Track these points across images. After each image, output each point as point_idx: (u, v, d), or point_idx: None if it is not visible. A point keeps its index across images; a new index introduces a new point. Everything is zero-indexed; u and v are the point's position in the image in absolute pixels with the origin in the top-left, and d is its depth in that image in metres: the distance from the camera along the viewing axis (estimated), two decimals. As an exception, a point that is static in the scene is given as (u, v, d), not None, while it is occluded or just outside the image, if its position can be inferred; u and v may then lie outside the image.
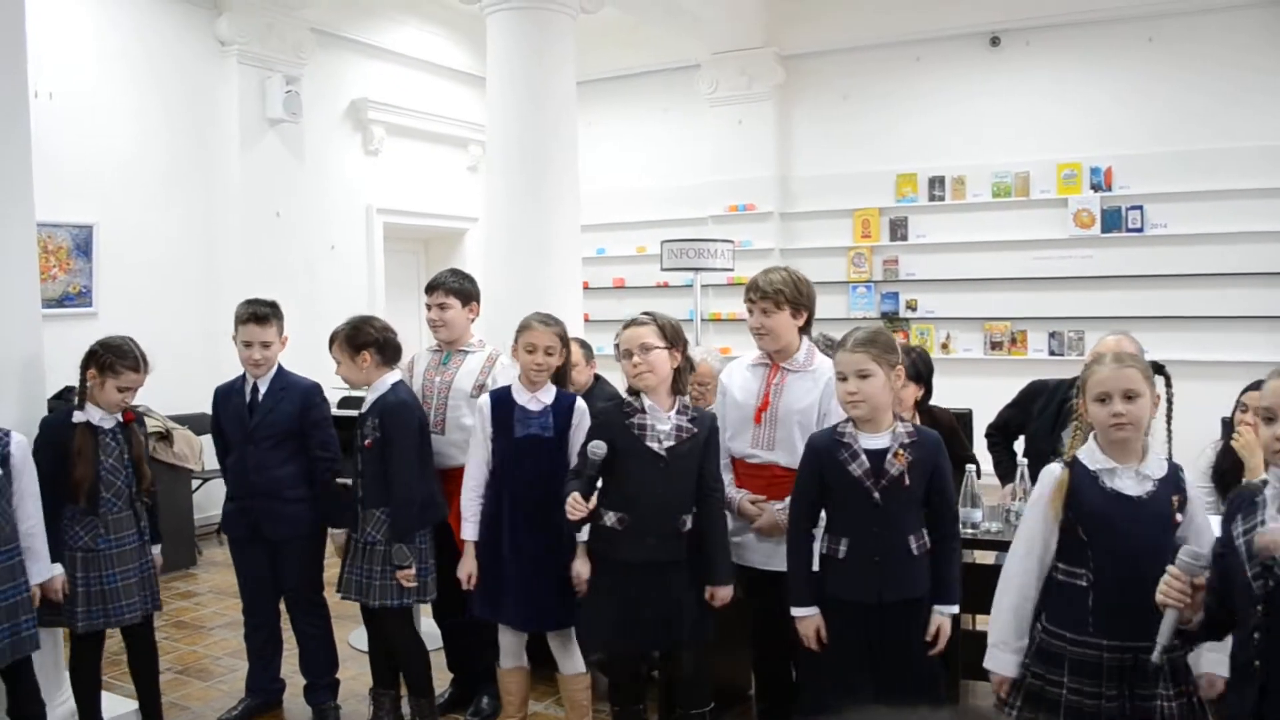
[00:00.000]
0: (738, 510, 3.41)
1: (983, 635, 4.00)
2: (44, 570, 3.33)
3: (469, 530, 3.56)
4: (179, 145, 7.25)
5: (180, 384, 6.64)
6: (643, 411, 3.18)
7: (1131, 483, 2.54)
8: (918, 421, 3.60)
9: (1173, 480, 2.54)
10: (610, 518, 3.20)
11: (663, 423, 3.16)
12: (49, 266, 6.39)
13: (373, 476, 3.65)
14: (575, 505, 3.06)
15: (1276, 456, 2.16)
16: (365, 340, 3.71)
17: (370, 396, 3.71)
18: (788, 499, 3.20)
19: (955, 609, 2.97)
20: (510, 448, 3.50)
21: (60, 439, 3.47)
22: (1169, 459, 2.61)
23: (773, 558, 3.33)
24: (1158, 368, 2.76)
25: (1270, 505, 2.17)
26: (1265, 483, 2.22)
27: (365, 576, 3.65)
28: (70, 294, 6.57)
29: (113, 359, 3.52)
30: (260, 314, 3.90)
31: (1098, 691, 2.51)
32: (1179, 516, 2.49)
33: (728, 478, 3.43)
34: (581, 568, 3.35)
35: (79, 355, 3.57)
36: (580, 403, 3.54)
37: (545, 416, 3.48)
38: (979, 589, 3.66)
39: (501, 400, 3.55)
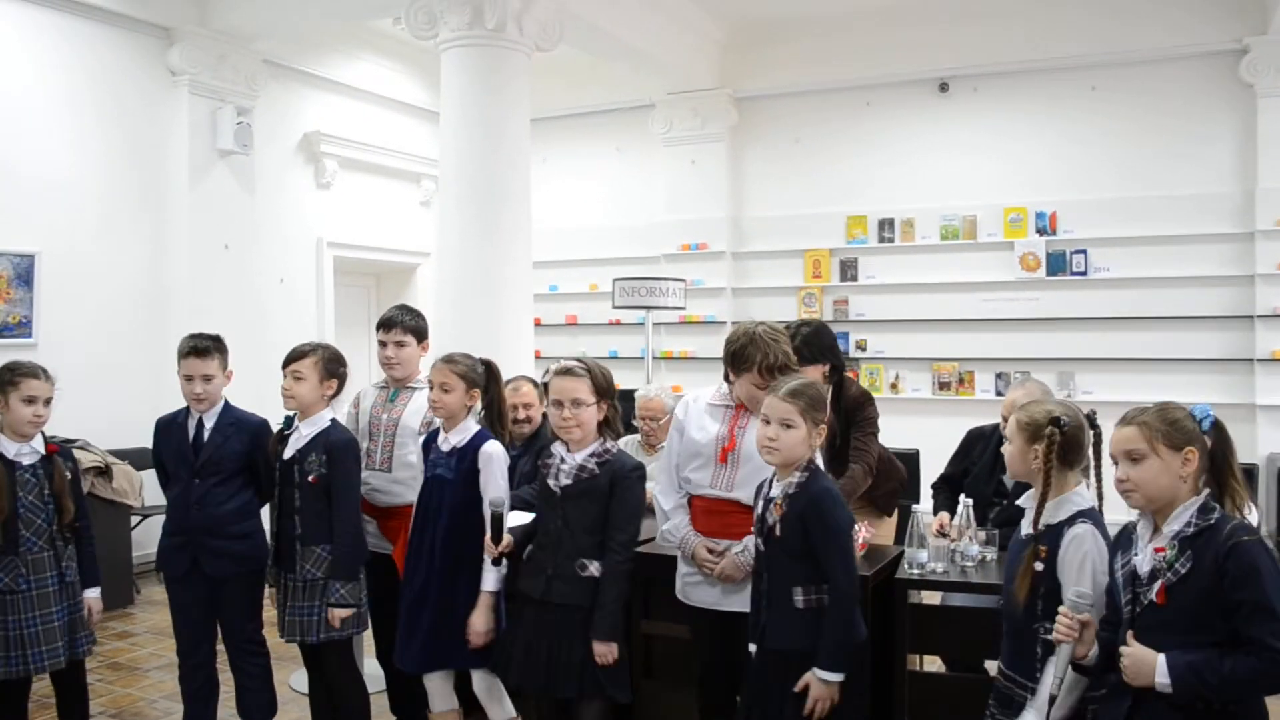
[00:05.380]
0: (692, 557, 3.28)
1: (928, 676, 4.01)
2: None
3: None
4: (127, 175, 7.15)
5: (122, 418, 6.52)
6: (554, 453, 3.28)
7: (1027, 525, 2.64)
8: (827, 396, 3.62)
9: (1054, 531, 2.51)
10: (529, 550, 3.30)
11: (567, 462, 3.21)
12: (-12, 296, 6.27)
13: (315, 513, 3.58)
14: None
15: (1124, 496, 2.35)
16: (339, 372, 3.72)
17: (308, 430, 3.64)
18: (745, 539, 3.16)
19: (829, 675, 2.76)
20: (424, 488, 3.57)
21: None
22: (1084, 509, 2.56)
23: (725, 599, 3.24)
24: (1054, 423, 2.59)
25: (1141, 539, 2.35)
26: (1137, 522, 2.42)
27: (305, 615, 3.57)
28: (9, 324, 6.43)
29: (6, 374, 3.45)
30: (200, 347, 3.79)
31: (990, 713, 2.67)
32: (1037, 565, 2.49)
33: (683, 517, 3.34)
34: (479, 621, 3.37)
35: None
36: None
37: (451, 458, 3.49)
38: (927, 630, 3.67)
39: (429, 441, 3.63)
